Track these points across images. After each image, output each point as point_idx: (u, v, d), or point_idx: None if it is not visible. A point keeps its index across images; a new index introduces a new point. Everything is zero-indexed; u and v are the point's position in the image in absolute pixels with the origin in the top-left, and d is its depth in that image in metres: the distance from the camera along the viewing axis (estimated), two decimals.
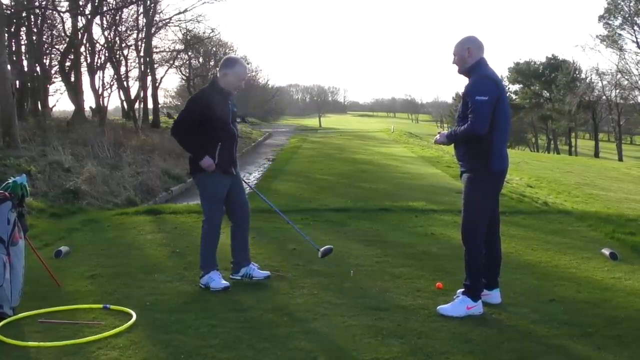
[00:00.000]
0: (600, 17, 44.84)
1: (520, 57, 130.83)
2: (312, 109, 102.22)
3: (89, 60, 25.10)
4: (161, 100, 39.05)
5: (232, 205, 4.83)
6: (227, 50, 42.85)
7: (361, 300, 4.35)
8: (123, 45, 28.37)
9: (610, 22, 44.39)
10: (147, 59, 27.59)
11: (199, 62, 41.50)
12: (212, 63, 39.85)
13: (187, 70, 39.95)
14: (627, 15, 43.51)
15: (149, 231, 6.93)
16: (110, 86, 28.86)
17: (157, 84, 31.24)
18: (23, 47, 22.22)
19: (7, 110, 12.47)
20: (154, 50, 29.89)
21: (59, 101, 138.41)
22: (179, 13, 35.28)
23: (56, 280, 4.71)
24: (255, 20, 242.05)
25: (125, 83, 29.23)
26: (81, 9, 21.62)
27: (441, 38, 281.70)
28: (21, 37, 22.08)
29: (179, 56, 35.34)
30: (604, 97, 48.95)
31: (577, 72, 53.66)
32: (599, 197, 14.07)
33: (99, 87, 25.87)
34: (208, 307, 4.20)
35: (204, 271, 4.68)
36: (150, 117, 29.48)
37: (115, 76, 27.86)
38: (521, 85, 63.74)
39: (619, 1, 43.51)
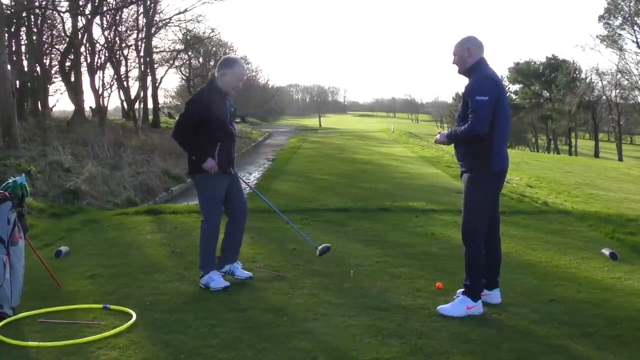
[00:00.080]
0: (600, 17, 44.87)
1: (520, 57, 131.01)
2: (312, 109, 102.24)
3: (89, 60, 25.13)
4: (161, 100, 39.14)
5: (230, 205, 4.83)
6: (227, 50, 42.90)
7: (361, 300, 4.35)
8: (123, 45, 28.42)
9: (610, 22, 44.43)
10: (147, 59, 27.60)
11: (199, 62, 41.58)
12: (212, 63, 39.83)
13: (187, 70, 40.01)
14: (627, 15, 43.53)
15: (149, 231, 6.93)
16: (110, 86, 28.94)
17: (157, 84, 31.28)
18: (23, 47, 22.24)
19: (7, 110, 12.47)
20: (154, 50, 29.92)
21: (59, 101, 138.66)
22: (179, 13, 35.38)
23: (56, 280, 4.71)
24: (255, 20, 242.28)
25: (125, 83, 29.27)
26: (81, 9, 21.63)
27: (441, 38, 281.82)
28: (21, 37, 22.10)
29: (179, 56, 35.41)
30: (604, 97, 48.99)
31: (577, 72, 53.69)
32: (599, 197, 14.07)
33: (99, 87, 25.91)
34: (208, 307, 4.20)
35: (203, 271, 4.68)
36: (150, 117, 29.50)
37: (115, 76, 27.89)
38: (521, 85, 63.75)
39: (619, 1, 43.52)
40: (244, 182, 6.44)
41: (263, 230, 6.84)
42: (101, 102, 26.02)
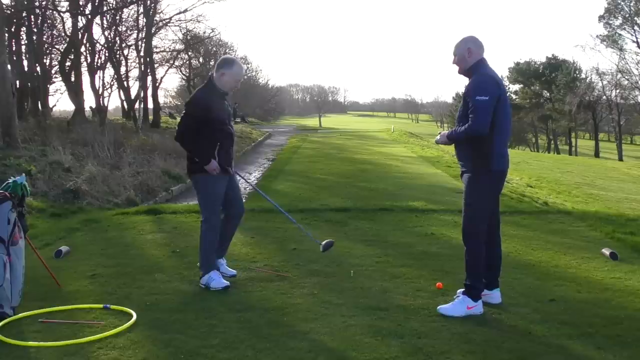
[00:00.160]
0: (601, 17, 44.90)
1: (520, 57, 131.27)
2: (312, 108, 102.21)
3: (89, 60, 25.11)
4: (161, 100, 39.11)
5: (227, 203, 4.85)
6: (227, 50, 42.93)
7: (361, 300, 4.35)
8: (123, 45, 28.40)
9: (611, 22, 44.48)
10: (147, 59, 27.57)
11: (199, 62, 41.56)
12: (212, 63, 39.81)
13: (187, 70, 40.03)
14: (627, 15, 43.57)
15: (149, 231, 6.94)
16: (111, 86, 28.92)
17: (157, 84, 31.26)
18: (23, 47, 22.21)
19: (7, 110, 12.46)
20: (154, 50, 29.90)
21: (59, 101, 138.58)
22: (179, 13, 35.29)
23: (56, 280, 4.71)
24: (255, 20, 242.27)
25: (125, 83, 29.24)
26: (81, 9, 21.63)
27: (441, 38, 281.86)
28: (21, 37, 22.07)
29: (179, 56, 35.40)
30: (604, 97, 48.98)
31: (577, 72, 53.72)
32: (599, 197, 14.08)
33: (99, 87, 25.89)
34: (208, 307, 4.20)
35: (203, 271, 4.68)
36: (151, 117, 29.48)
37: (116, 76, 27.87)
38: (521, 85, 63.74)
39: (619, 1, 43.55)
40: (245, 180, 6.45)
41: (263, 230, 6.84)
42: (101, 102, 26.01)
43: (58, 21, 24.59)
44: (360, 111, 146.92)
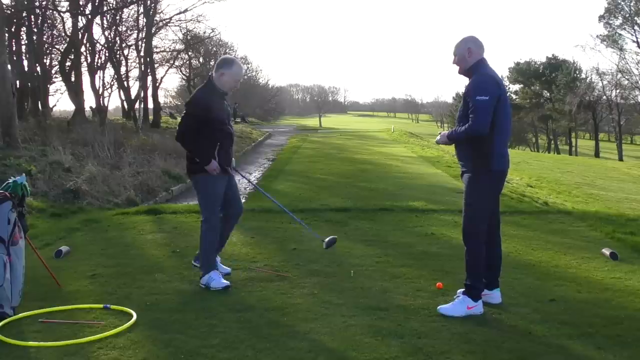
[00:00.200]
0: (601, 17, 44.90)
1: (520, 57, 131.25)
2: (312, 108, 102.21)
3: (89, 60, 25.11)
4: (161, 100, 39.07)
5: (225, 203, 4.85)
6: (227, 50, 42.94)
7: (361, 300, 4.35)
8: (123, 45, 28.39)
9: (611, 22, 44.48)
10: (148, 59, 27.56)
11: (199, 62, 41.57)
12: (212, 63, 39.80)
13: (187, 70, 40.03)
14: (627, 15, 43.57)
15: (149, 231, 6.94)
16: (111, 86, 28.92)
17: (157, 84, 31.26)
18: (23, 47, 22.21)
19: (7, 110, 12.46)
20: (154, 50, 29.89)
21: (59, 101, 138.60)
22: (179, 13, 35.34)
23: (56, 280, 4.71)
24: (255, 20, 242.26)
25: (125, 83, 29.23)
26: (81, 9, 21.62)
27: (441, 38, 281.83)
28: (21, 37, 22.07)
29: (179, 56, 35.39)
30: (604, 97, 48.98)
31: (577, 72, 53.70)
32: (599, 197, 14.08)
33: (99, 87, 25.89)
34: (208, 307, 4.20)
35: (203, 271, 4.68)
36: (151, 117, 29.48)
37: (116, 76, 27.87)
38: (521, 85, 63.74)
39: (619, 1, 43.56)
40: (246, 178, 6.45)
41: (264, 229, 6.84)
42: (101, 102, 26.01)
43: (58, 21, 24.61)
44: (360, 111, 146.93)
